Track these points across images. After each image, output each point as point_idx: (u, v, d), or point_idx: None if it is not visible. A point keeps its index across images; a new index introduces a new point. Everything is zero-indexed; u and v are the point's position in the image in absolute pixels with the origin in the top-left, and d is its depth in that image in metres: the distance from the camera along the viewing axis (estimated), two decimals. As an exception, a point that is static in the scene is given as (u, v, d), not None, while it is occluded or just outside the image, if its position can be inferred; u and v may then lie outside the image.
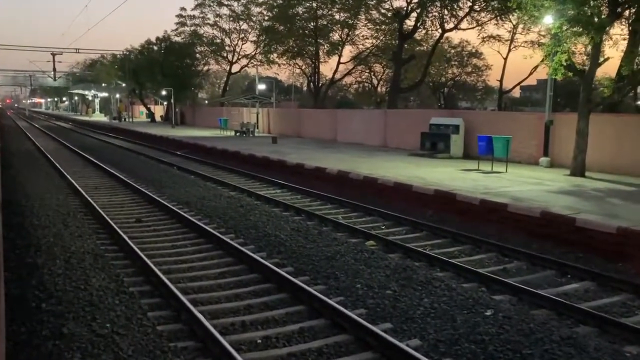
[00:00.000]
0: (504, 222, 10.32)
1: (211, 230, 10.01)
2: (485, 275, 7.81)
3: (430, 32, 35.00)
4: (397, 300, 6.73)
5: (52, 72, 61.71)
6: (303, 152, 21.90)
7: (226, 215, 11.62)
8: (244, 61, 52.23)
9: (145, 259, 8.10)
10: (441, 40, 36.19)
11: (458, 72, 54.27)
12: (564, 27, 13.64)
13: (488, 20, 32.49)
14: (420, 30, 33.50)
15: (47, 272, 7.40)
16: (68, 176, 16.60)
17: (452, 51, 51.47)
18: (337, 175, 15.32)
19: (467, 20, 31.73)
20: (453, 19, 31.62)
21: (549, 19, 14.27)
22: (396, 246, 9.33)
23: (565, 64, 14.19)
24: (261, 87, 52.57)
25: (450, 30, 32.54)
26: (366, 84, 56.93)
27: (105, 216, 11.09)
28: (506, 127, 18.36)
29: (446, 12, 31.56)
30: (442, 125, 20.76)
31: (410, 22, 32.54)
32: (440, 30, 33.06)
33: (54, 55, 57.06)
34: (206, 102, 74.08)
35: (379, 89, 55.54)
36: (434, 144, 20.75)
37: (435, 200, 11.78)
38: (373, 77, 53.80)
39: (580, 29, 13.54)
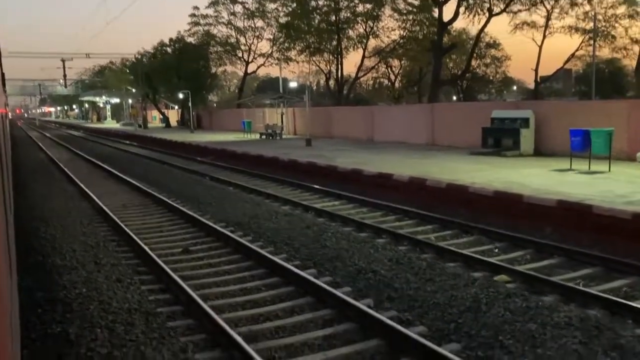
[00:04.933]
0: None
1: (285, 264, 7.68)
2: None
3: (478, 16, 32.02)
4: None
5: (62, 79, 59.76)
6: (348, 155, 19.52)
7: (293, 240, 9.28)
8: (259, 60, 49.99)
9: (217, 318, 5.78)
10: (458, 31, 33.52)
11: (476, 63, 51.69)
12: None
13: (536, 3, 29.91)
14: (464, 15, 30.83)
15: (85, 353, 5.09)
16: (89, 192, 14.34)
17: (471, 42, 49.00)
18: (409, 183, 12.92)
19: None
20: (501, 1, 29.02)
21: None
22: (543, 283, 6.94)
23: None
24: (293, 84, 50.31)
25: (499, 13, 29.95)
26: (382, 80, 54.52)
27: (144, 246, 8.82)
28: (586, 119, 15.88)
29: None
30: (508, 119, 18.29)
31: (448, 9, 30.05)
32: (487, 14, 30.37)
33: (64, 61, 55.17)
34: (215, 105, 71.87)
35: (396, 84, 53.09)
36: (497, 141, 18.29)
37: (557, 213, 9.37)
38: (390, 72, 51.39)
39: None
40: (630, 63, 42.45)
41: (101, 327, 5.62)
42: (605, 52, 39.96)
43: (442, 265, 7.72)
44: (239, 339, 5.31)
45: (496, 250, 8.76)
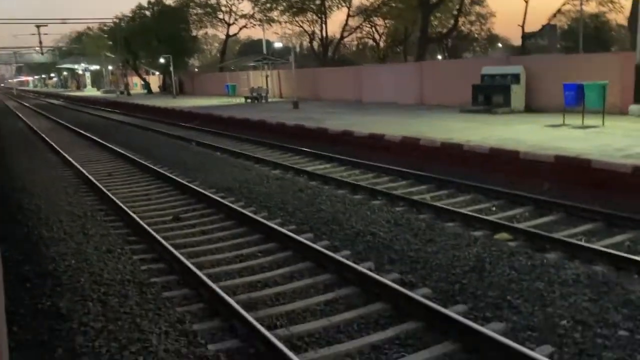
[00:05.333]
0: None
1: (280, 229, 7.46)
2: None
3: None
4: None
5: (38, 47, 58.03)
6: (337, 117, 19.18)
7: (287, 204, 9.06)
8: (241, 22, 48.87)
9: (214, 286, 5.56)
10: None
11: (461, 21, 50.90)
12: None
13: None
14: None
15: (80, 329, 4.86)
16: (72, 161, 13.94)
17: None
18: (401, 143, 12.68)
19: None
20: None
21: None
22: (544, 240, 6.79)
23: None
24: (278, 45, 49.28)
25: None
26: (367, 40, 53.57)
27: (133, 214, 8.54)
28: (577, 73, 15.63)
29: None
30: (498, 76, 18.01)
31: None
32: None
33: (38, 27, 53.39)
34: (197, 69, 70.43)
35: (380, 44, 52.22)
36: (488, 98, 18.04)
37: (555, 169, 9.21)
38: (375, 32, 50.47)
39: None
40: (615, 17, 42.09)
41: (93, 300, 5.38)
42: (592, 7, 39.50)
43: (441, 225, 7.56)
44: (238, 307, 5.12)
45: (494, 209, 8.60)
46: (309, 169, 12.18)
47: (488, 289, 5.41)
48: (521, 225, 7.48)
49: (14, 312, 5.27)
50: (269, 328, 4.83)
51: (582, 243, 6.61)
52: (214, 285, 5.63)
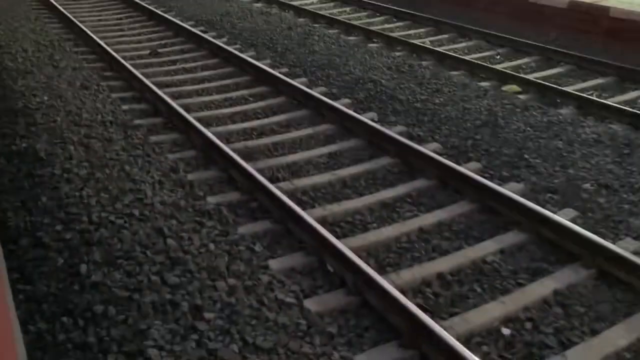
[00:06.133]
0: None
1: (271, 71, 6.84)
2: None
3: None
4: None
5: None
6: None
7: (275, 43, 8.31)
8: None
9: (207, 132, 5.10)
10: None
11: None
12: None
13: None
14: None
15: (64, 176, 4.41)
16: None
17: None
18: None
19: None
20: None
21: None
22: (556, 93, 6.39)
23: None
24: None
25: None
26: None
27: (106, 46, 7.74)
28: None
29: None
30: None
31: None
32: None
33: None
34: None
35: None
36: None
37: (565, 14, 8.53)
38: None
39: None
40: None
41: (74, 143, 4.87)
42: None
43: (446, 74, 7.03)
44: (236, 156, 4.71)
45: (498, 57, 8.06)
46: (294, 3, 11.14)
47: (503, 145, 5.08)
48: (529, 77, 7.02)
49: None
50: (270, 180, 4.48)
51: (595, 98, 6.23)
52: (206, 131, 5.16)
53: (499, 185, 4.35)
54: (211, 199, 4.27)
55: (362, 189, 4.57)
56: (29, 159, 4.64)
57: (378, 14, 10.43)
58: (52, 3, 10.48)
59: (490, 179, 4.58)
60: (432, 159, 4.73)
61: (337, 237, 3.78)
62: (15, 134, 5.09)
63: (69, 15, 9.53)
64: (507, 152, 4.97)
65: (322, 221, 4.05)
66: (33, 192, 4.14)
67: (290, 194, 4.41)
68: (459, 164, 4.75)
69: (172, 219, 3.85)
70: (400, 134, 5.36)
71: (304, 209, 4.12)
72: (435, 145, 5.20)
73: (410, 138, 5.29)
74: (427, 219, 4.10)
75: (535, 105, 5.90)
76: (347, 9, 10.98)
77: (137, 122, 5.60)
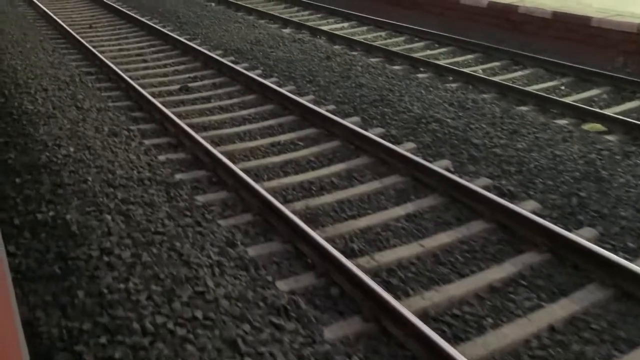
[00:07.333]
0: None
1: (320, 110, 6.08)
2: None
3: None
4: None
5: None
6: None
7: (316, 75, 7.57)
8: None
9: (268, 195, 4.33)
10: None
11: None
12: None
13: None
14: None
15: (106, 265, 3.63)
16: (44, 8, 11.84)
17: None
18: None
19: None
20: None
21: None
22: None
23: None
24: None
25: None
26: None
27: (131, 81, 7.02)
28: None
29: None
30: None
31: None
32: None
33: None
34: None
35: None
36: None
37: (634, 40, 7.77)
38: None
39: None
40: None
41: (111, 212, 4.09)
42: None
43: (516, 110, 6.24)
44: (301, 223, 3.93)
45: (563, 88, 7.30)
46: (324, 28, 10.43)
47: (617, 206, 4.29)
48: (608, 112, 6.24)
49: (8, 222, 4.01)
50: (346, 255, 3.69)
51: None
52: (260, 189, 4.40)
53: (630, 261, 3.56)
54: (282, 285, 3.50)
55: (459, 266, 3.78)
56: (58, 233, 3.87)
57: (417, 39, 9.70)
58: (67, 30, 9.83)
59: (614, 251, 3.78)
60: (538, 225, 3.93)
61: (447, 340, 3.00)
62: (40, 197, 4.33)
63: (87, 44, 8.85)
64: (625, 214, 4.17)
65: (423, 314, 3.27)
66: (67, 282, 3.37)
67: (374, 274, 3.64)
68: (570, 231, 3.96)
69: (244, 321, 3.07)
70: (487, 188, 4.58)
71: (397, 298, 3.34)
72: (533, 204, 4.41)
73: (501, 195, 4.51)
74: (556, 312, 3.31)
75: (636, 152, 5.11)
76: (382, 33, 10.25)
77: (179, 177, 4.84)
